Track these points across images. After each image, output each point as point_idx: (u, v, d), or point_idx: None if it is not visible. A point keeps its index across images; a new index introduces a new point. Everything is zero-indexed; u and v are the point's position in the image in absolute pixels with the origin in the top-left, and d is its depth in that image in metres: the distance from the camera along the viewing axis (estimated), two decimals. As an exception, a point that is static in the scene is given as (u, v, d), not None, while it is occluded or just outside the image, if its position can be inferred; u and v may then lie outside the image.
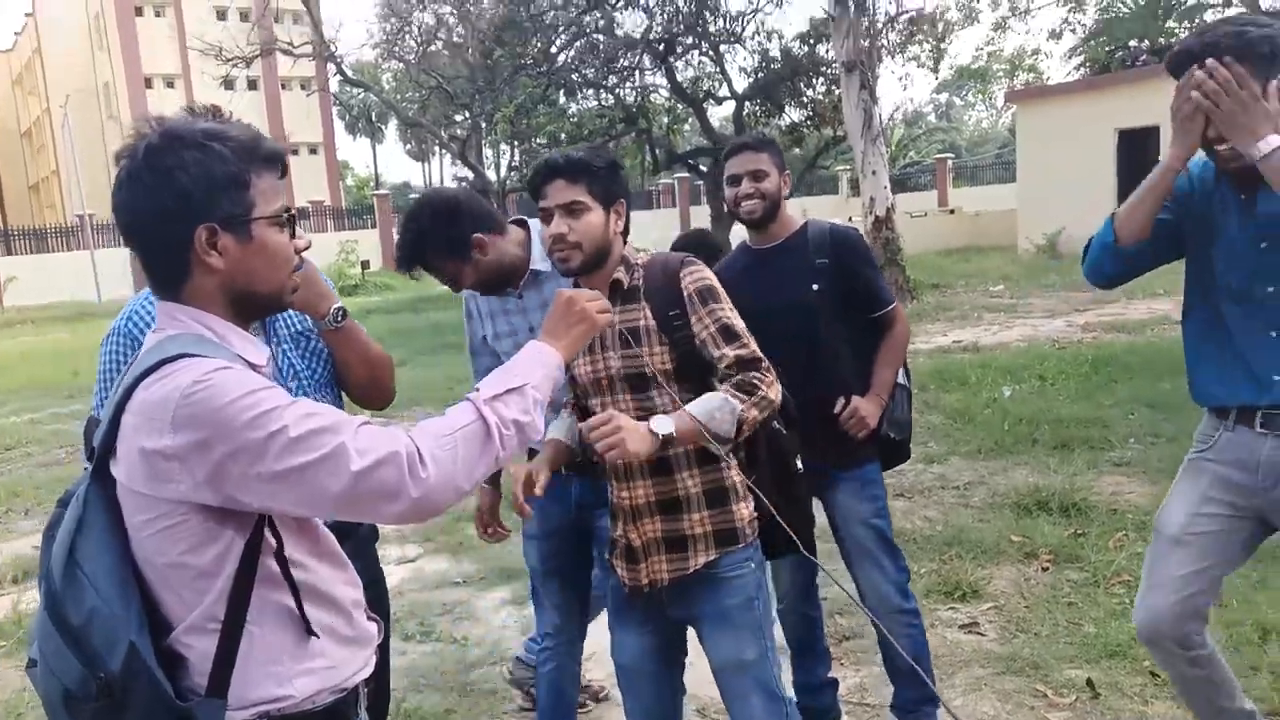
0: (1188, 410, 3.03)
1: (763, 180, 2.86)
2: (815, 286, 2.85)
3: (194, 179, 1.38)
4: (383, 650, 2.32)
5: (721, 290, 2.23)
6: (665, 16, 16.25)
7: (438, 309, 18.45)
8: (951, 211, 27.59)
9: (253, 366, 1.44)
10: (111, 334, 2.23)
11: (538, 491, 2.16)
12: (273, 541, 1.41)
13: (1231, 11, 23.59)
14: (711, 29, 16.30)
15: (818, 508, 2.99)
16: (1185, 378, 2.47)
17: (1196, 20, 23.66)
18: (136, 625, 1.34)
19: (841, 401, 2.85)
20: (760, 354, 2.17)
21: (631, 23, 16.91)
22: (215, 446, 1.29)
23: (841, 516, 2.94)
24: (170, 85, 46.34)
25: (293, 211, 1.52)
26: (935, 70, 18.81)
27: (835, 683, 3.21)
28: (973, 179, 38.22)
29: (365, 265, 29.32)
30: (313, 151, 50.12)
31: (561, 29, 17.07)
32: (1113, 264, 2.39)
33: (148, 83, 45.90)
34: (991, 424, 6.65)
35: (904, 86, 62.25)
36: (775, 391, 2.15)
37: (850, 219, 19.10)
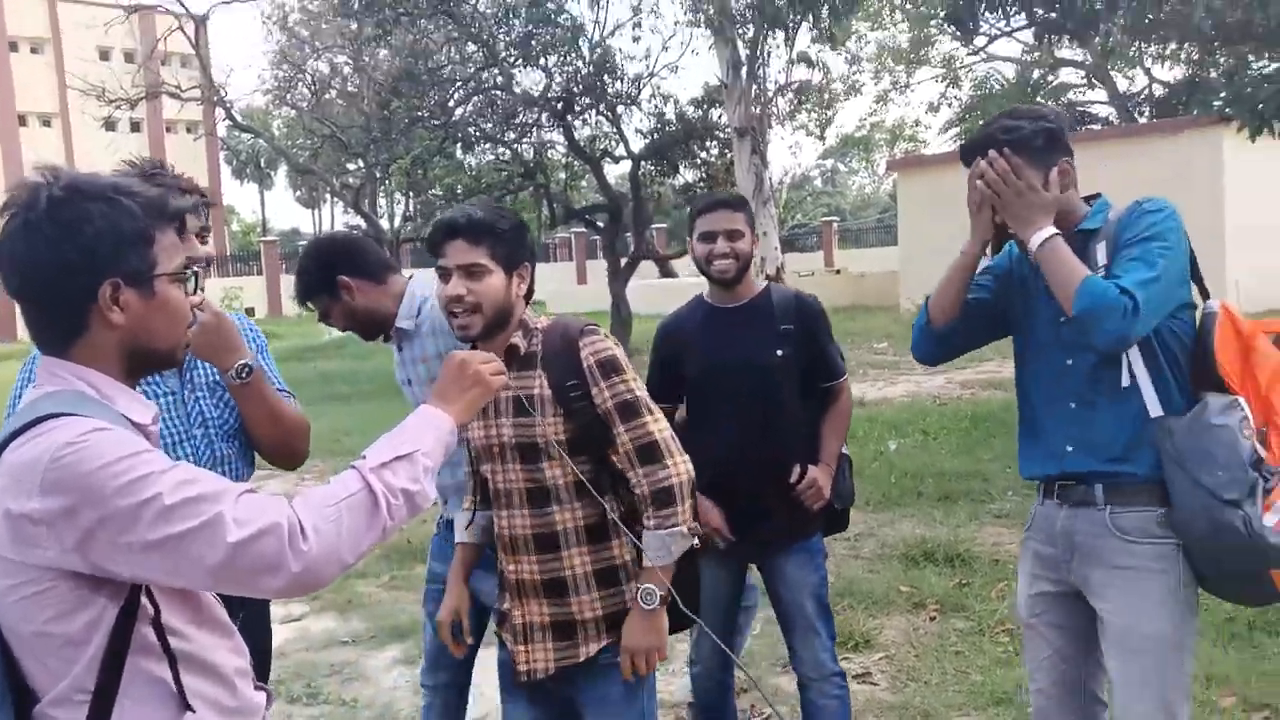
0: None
1: (738, 240, 2.82)
2: (779, 352, 2.80)
3: (100, 233, 1.35)
4: None
5: (624, 361, 2.16)
6: (564, 76, 16.46)
7: (324, 358, 18.05)
8: (838, 272, 28.55)
9: (138, 426, 1.40)
10: (24, 367, 2.14)
11: (466, 637, 2.27)
12: (149, 609, 1.35)
13: (1093, 94, 25.38)
14: (609, 91, 16.57)
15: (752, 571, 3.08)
16: None
17: (1062, 99, 25.34)
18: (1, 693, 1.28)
19: (798, 471, 2.81)
20: (657, 434, 2.11)
21: (529, 80, 17.08)
22: (84, 513, 1.24)
23: (787, 586, 2.88)
24: (47, 124, 44.50)
25: (195, 268, 1.51)
26: (821, 138, 19.59)
27: None
28: (857, 242, 39.62)
29: (250, 312, 28.51)
30: (197, 196, 48.61)
31: (459, 84, 17.12)
32: (928, 343, 2.44)
33: (22, 120, 43.97)
34: (879, 477, 6.85)
35: (793, 153, 64.40)
36: (684, 468, 2.12)
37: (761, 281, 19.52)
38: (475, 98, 17.47)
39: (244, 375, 2.15)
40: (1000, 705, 3.50)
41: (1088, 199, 2.31)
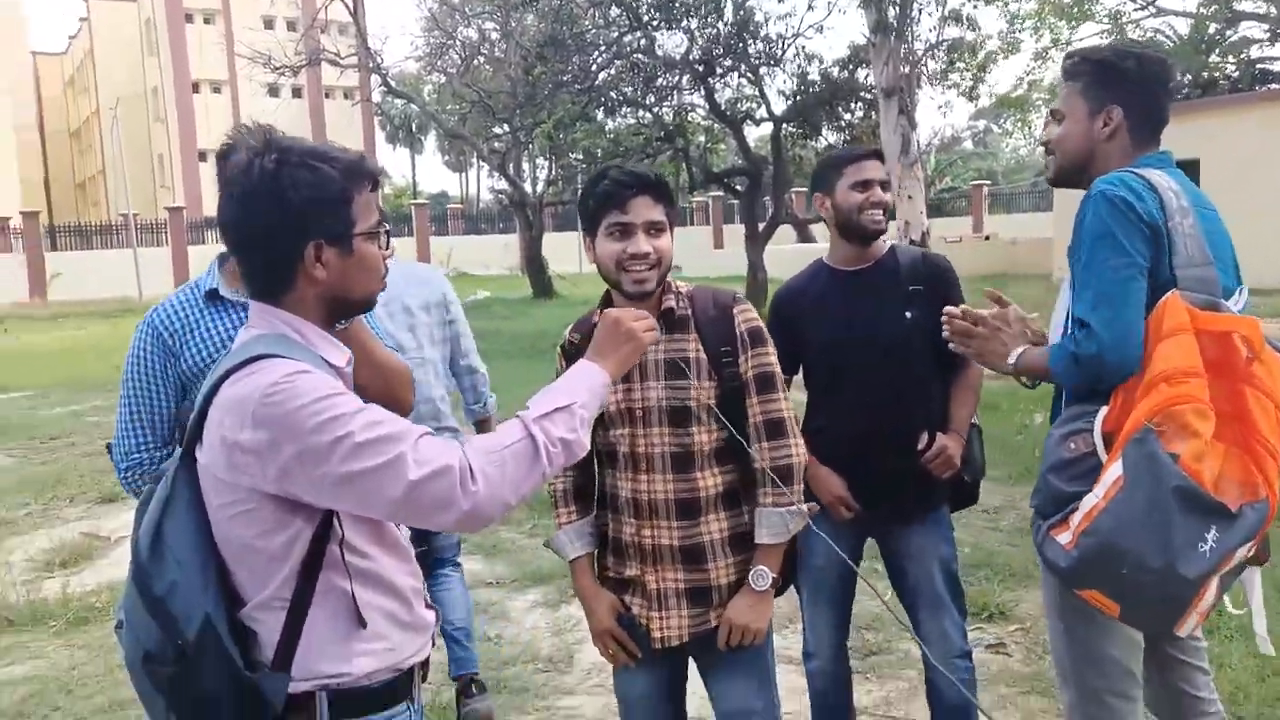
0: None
1: (887, 191, 2.71)
2: (908, 314, 2.65)
3: (305, 199, 1.50)
4: None
5: (767, 331, 2.21)
6: (705, 39, 16.37)
7: (473, 317, 18.61)
8: (987, 238, 27.51)
9: (333, 367, 1.55)
10: (140, 327, 2.36)
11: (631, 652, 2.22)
12: (339, 531, 1.50)
13: (1277, 50, 23.44)
14: (751, 52, 16.39)
15: (872, 548, 2.87)
16: None
17: (1241, 55, 23.56)
18: (213, 599, 1.45)
19: (925, 438, 2.66)
20: (785, 412, 2.16)
21: (671, 44, 17.06)
22: (285, 446, 1.40)
23: (913, 559, 2.74)
24: (217, 91, 47.24)
25: (386, 226, 1.64)
26: (973, 99, 18.81)
27: None
28: (1009, 207, 38.06)
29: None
30: (352, 160, 50.75)
31: (602, 48, 17.26)
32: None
33: (195, 88, 46.82)
34: (1022, 450, 6.67)
35: (944, 114, 61.97)
36: (802, 450, 2.18)
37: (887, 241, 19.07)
38: (617, 62, 17.58)
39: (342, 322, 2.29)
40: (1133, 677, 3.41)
41: (1156, 156, 2.09)
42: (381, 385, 2.27)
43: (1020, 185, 43.15)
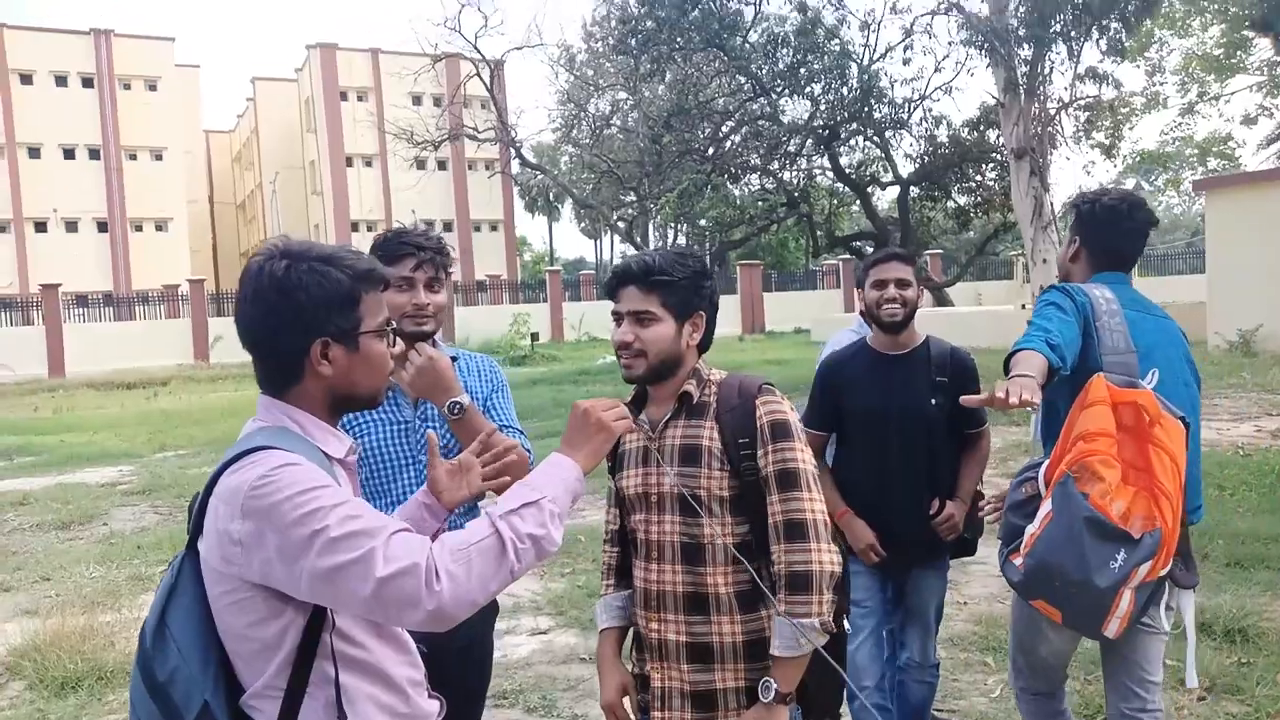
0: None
1: (906, 289, 3.17)
2: (934, 400, 3.12)
3: (313, 299, 1.56)
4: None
5: (797, 428, 2.07)
6: (830, 104, 16.40)
7: (598, 382, 18.88)
8: (1134, 302, 26.13)
9: (332, 459, 1.60)
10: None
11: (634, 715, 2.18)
12: (331, 620, 1.53)
13: None
14: (876, 115, 16.31)
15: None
16: None
17: None
18: (212, 686, 1.48)
19: (936, 504, 3.16)
20: (809, 514, 2.00)
21: (796, 109, 17.16)
22: (268, 537, 1.43)
23: (919, 593, 3.33)
24: (369, 164, 50.05)
25: (393, 325, 1.69)
26: (1112, 156, 18.09)
27: None
28: (1161, 269, 36.19)
29: (535, 337, 30.42)
30: (493, 229, 52.81)
31: (728, 115, 17.49)
32: None
33: (349, 162, 49.74)
34: (1157, 534, 6.23)
35: (1088, 172, 59.52)
36: (828, 559, 1.99)
37: (1024, 305, 18.39)
38: (743, 128, 17.77)
39: (455, 412, 2.30)
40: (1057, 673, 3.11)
41: (1109, 275, 2.75)
42: (497, 472, 2.28)
43: (1174, 246, 41.05)
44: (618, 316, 2.15)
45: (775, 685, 1.98)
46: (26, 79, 44.53)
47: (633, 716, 2.22)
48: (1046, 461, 2.46)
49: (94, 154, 45.51)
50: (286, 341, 1.58)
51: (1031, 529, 2.37)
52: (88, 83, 45.55)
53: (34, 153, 44.41)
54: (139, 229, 46.01)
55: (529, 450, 2.46)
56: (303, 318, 1.56)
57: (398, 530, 1.47)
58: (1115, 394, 2.40)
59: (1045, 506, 2.36)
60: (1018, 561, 2.41)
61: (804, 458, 2.05)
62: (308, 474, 1.48)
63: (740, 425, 2.05)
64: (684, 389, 2.12)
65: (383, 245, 2.41)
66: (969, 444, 3.26)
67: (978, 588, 5.20)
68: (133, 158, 46.64)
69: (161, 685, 1.49)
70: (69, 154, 45.16)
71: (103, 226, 45.62)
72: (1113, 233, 2.75)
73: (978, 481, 3.29)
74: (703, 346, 2.18)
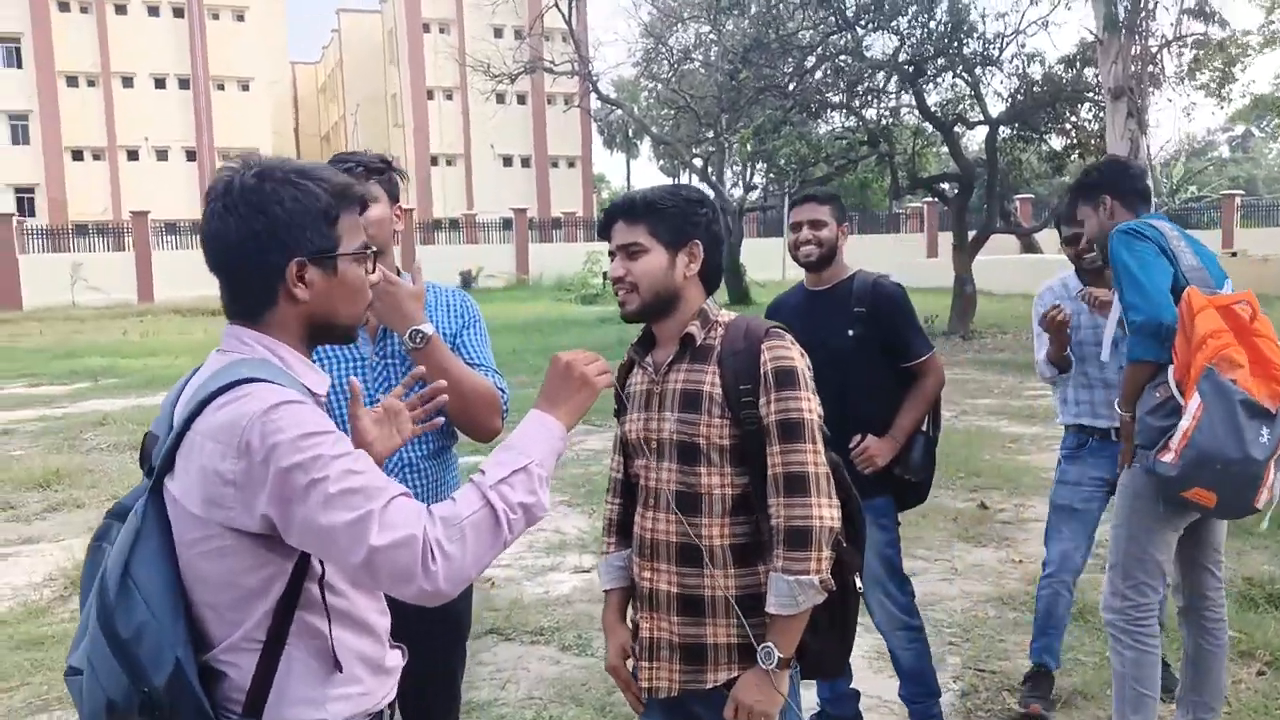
0: None
1: (821, 229, 3.24)
2: (850, 332, 3.14)
3: (288, 212, 1.44)
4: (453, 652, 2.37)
5: (804, 376, 1.96)
6: (916, 39, 15.69)
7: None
8: (1234, 254, 24.86)
9: (313, 395, 1.49)
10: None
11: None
12: (317, 568, 1.44)
13: None
14: (966, 51, 15.57)
15: None
16: None
17: None
18: (183, 641, 1.37)
19: (857, 438, 3.12)
20: (811, 468, 1.90)
21: (880, 44, 16.50)
22: (266, 479, 1.33)
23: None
24: (449, 97, 50.19)
25: (372, 248, 1.57)
26: (1219, 98, 17.02)
27: (857, 694, 3.44)
28: (1268, 219, 34.28)
29: (606, 276, 30.42)
30: (570, 165, 52.68)
31: (810, 49, 16.89)
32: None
33: (429, 94, 49.92)
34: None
35: (1189, 116, 56.40)
36: (828, 514, 1.89)
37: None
38: (825, 64, 17.18)
39: (418, 341, 2.14)
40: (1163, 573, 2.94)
41: (1152, 214, 3.02)
42: (458, 406, 2.15)
43: (1283, 194, 38.87)
44: (611, 254, 2.06)
45: (776, 651, 1.88)
46: (121, 9, 45.55)
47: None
48: (1172, 366, 2.70)
49: (184, 84, 46.56)
50: (260, 260, 1.45)
51: (1184, 424, 2.60)
52: (178, 12, 46.39)
53: (127, 82, 45.61)
54: (226, 159, 47.04)
55: (504, 390, 2.34)
56: (278, 233, 1.44)
57: (397, 495, 1.37)
58: (1214, 300, 2.70)
59: (1194, 401, 2.59)
60: (1167, 458, 2.62)
61: (809, 408, 1.93)
62: (310, 415, 1.38)
63: (743, 370, 1.94)
64: (688, 330, 2.01)
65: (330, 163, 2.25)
66: (912, 381, 3.20)
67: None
68: (220, 88, 47.57)
69: (127, 641, 1.36)
70: (159, 83, 46.28)
71: (191, 155, 46.80)
72: (1127, 176, 3.08)
73: (918, 421, 3.19)
74: (708, 282, 2.06)
